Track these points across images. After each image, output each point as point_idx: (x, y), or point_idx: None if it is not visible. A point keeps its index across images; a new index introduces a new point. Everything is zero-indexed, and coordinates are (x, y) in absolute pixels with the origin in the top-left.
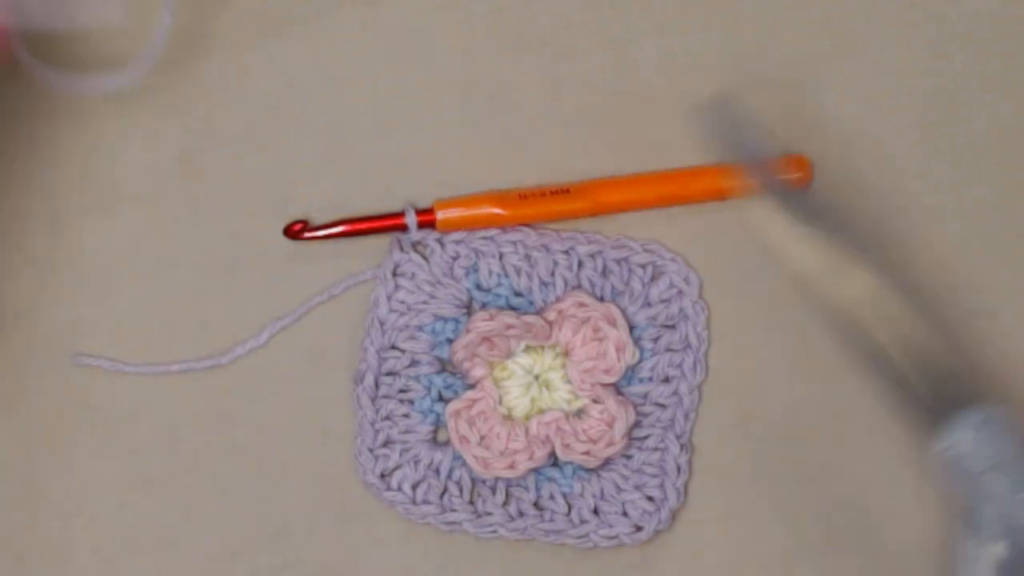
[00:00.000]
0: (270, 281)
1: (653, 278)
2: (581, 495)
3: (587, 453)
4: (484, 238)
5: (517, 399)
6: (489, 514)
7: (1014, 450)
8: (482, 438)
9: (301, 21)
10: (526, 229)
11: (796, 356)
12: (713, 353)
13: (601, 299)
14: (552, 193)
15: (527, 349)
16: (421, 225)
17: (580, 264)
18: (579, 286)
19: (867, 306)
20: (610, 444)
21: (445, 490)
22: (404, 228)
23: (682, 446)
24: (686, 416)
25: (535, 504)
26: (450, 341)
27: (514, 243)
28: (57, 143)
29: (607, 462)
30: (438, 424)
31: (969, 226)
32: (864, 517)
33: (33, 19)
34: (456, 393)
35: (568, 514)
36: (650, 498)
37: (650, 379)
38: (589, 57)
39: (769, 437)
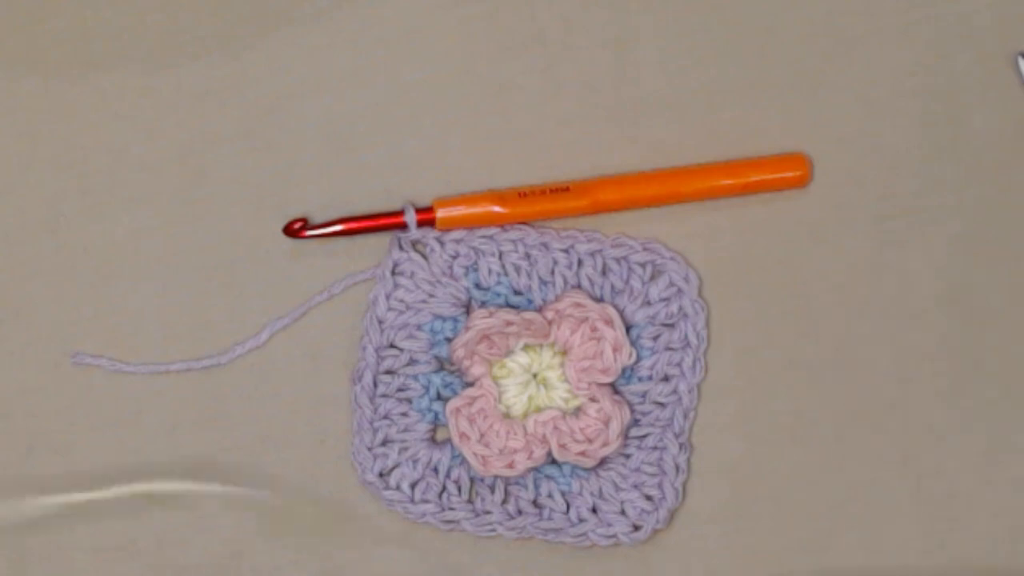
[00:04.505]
0: (270, 280)
1: (653, 277)
2: (580, 494)
3: (583, 453)
4: (484, 236)
5: (515, 397)
6: (488, 513)
7: None
8: (482, 435)
9: (301, 21)
10: (526, 227)
11: (796, 356)
12: (712, 352)
13: (600, 298)
14: (552, 191)
15: (526, 347)
16: (421, 223)
17: (580, 262)
18: (578, 285)
19: None
20: (605, 444)
21: (444, 489)
22: (404, 227)
23: (681, 445)
24: (685, 415)
25: (534, 503)
26: (449, 340)
27: (514, 242)
28: (56, 142)
29: (605, 461)
30: (436, 423)
31: (969, 226)
32: (864, 517)
33: None
34: (454, 392)
35: (567, 513)
36: (648, 497)
37: (649, 378)
38: (589, 57)
39: (769, 437)
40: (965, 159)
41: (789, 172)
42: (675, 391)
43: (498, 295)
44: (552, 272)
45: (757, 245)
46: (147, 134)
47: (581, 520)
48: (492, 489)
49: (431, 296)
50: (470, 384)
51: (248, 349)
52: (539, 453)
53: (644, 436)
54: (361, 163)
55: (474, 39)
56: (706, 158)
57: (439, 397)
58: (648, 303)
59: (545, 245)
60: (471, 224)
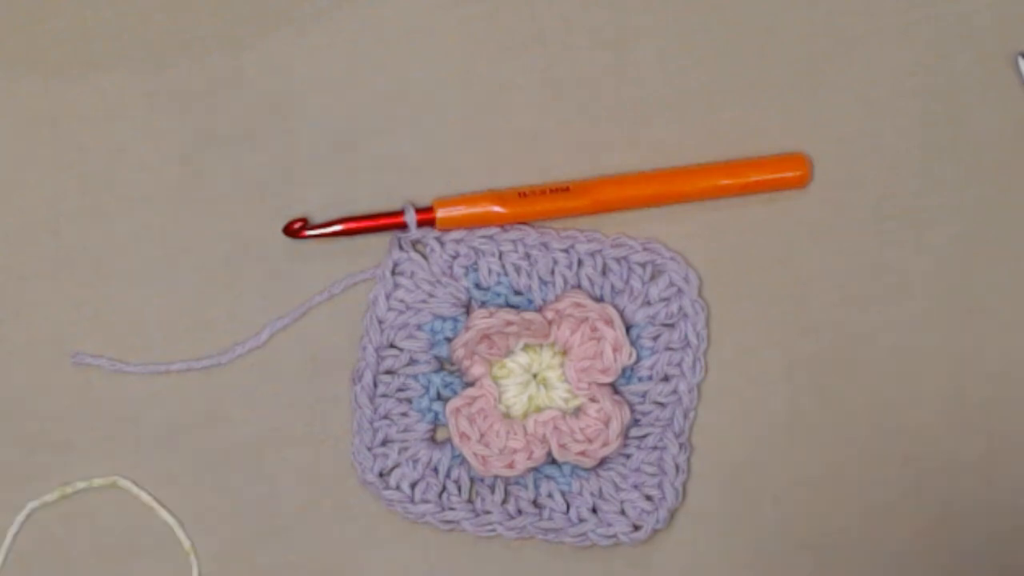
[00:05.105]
0: (270, 280)
1: (653, 277)
2: (580, 494)
3: (583, 453)
4: (484, 236)
5: (515, 397)
6: (488, 513)
7: None
8: (482, 435)
9: (301, 21)
10: (526, 227)
11: (796, 356)
12: (712, 352)
13: (600, 298)
14: (552, 191)
15: (525, 347)
16: (421, 223)
17: (580, 262)
18: (578, 285)
19: None
20: (605, 444)
21: (444, 489)
22: (404, 227)
23: (681, 445)
24: (685, 415)
25: (534, 502)
26: (448, 340)
27: (514, 241)
28: (56, 142)
29: (605, 461)
30: (436, 423)
31: (969, 226)
32: (864, 517)
33: None
34: (454, 392)
35: (567, 513)
36: (648, 497)
37: (649, 378)
38: (589, 57)
39: (769, 437)
40: (965, 159)
41: (789, 172)
42: (675, 391)
43: (498, 295)
44: (552, 272)
45: (757, 245)
46: (147, 134)
47: (581, 520)
48: (492, 489)
49: (431, 296)
50: (470, 384)
51: (248, 349)
52: (539, 453)
53: (644, 436)
54: (361, 163)
55: (474, 39)
56: (706, 158)
57: (439, 397)
58: (648, 303)
59: (545, 245)
60: (471, 224)
